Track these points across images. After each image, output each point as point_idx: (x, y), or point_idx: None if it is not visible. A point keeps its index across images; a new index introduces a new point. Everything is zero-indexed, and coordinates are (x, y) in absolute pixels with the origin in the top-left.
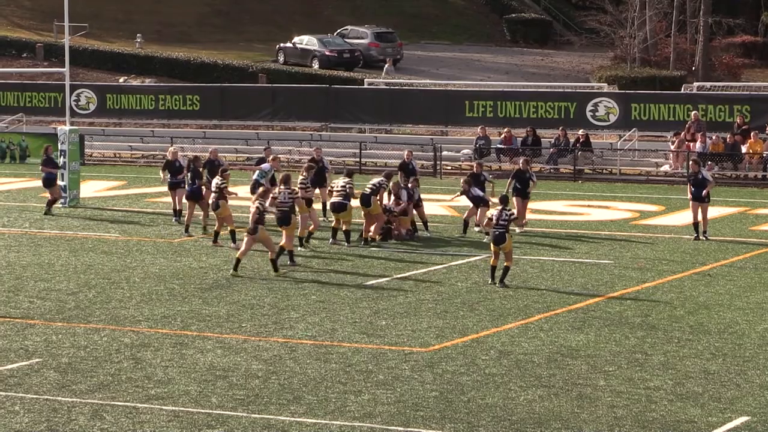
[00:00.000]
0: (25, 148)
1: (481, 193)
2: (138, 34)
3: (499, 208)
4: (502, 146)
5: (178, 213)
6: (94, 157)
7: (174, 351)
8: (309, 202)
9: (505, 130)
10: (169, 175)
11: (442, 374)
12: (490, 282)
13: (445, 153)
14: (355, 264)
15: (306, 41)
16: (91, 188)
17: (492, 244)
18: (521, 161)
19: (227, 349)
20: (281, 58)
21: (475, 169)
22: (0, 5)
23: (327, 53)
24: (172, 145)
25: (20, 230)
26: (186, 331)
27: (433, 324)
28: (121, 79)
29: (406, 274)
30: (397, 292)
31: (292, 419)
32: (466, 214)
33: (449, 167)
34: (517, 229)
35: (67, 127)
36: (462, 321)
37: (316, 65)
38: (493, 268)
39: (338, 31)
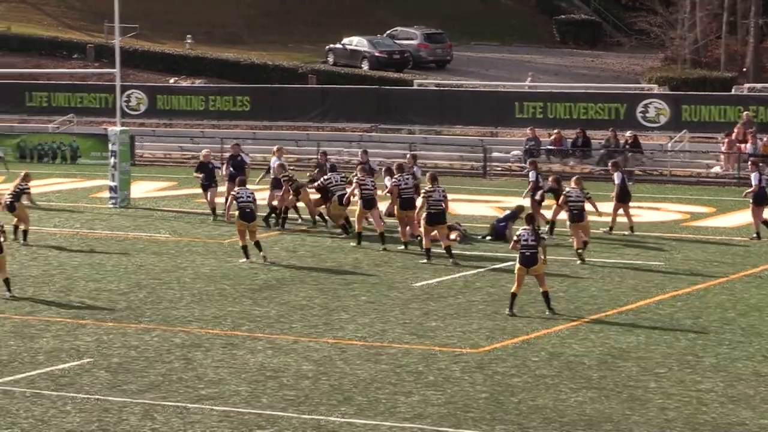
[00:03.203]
0: (76, 148)
1: None
2: (188, 35)
3: (528, 227)
4: (552, 147)
5: (214, 211)
6: (145, 158)
7: (225, 351)
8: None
9: (555, 131)
10: (203, 176)
11: (493, 375)
12: (507, 312)
13: (494, 154)
14: (404, 265)
15: (355, 42)
16: (141, 189)
17: (518, 267)
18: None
19: (277, 349)
20: (331, 59)
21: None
22: (51, 6)
23: (376, 54)
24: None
25: (71, 230)
26: (236, 331)
27: (484, 325)
28: (172, 80)
29: (457, 275)
30: (447, 293)
31: (343, 420)
32: (552, 215)
33: (499, 168)
34: (628, 231)
35: (118, 128)
36: (512, 322)
37: (365, 66)
38: (514, 296)
39: (388, 32)
